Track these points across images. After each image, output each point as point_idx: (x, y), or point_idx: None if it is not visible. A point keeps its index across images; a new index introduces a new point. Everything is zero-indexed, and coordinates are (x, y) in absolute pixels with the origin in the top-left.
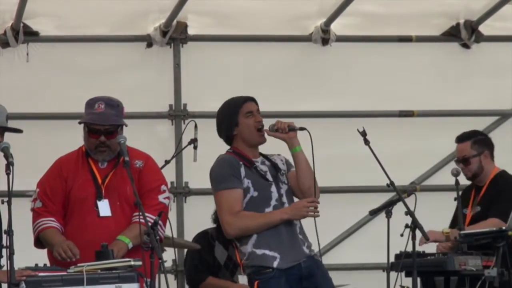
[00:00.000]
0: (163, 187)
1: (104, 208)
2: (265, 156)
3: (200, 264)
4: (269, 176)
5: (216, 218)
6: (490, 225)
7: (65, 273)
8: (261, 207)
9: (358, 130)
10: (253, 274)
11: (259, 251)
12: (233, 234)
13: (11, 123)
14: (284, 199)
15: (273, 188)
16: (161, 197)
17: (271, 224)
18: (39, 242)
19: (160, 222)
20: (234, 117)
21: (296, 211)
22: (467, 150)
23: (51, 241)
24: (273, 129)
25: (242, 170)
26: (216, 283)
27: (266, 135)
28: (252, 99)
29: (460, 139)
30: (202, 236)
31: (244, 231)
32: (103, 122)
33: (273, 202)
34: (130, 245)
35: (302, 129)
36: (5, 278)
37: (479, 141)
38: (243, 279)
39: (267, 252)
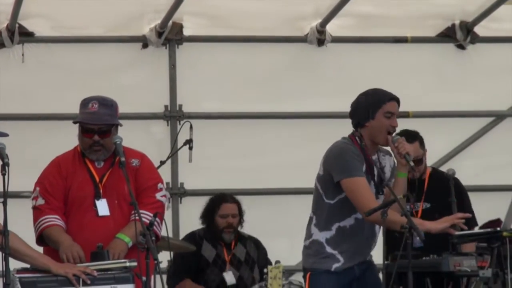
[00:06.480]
0: (160, 185)
1: (102, 207)
2: (379, 154)
3: (180, 267)
4: (372, 187)
5: (204, 219)
6: None
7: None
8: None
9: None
10: None
11: None
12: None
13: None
14: None
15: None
16: (158, 195)
17: None
18: (41, 239)
19: (157, 219)
20: (373, 109)
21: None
22: (418, 150)
23: (57, 239)
24: (395, 141)
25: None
26: (191, 286)
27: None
28: (397, 100)
29: (408, 140)
30: (190, 237)
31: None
32: (96, 122)
33: None
34: (130, 244)
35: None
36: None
37: (421, 140)
38: (228, 275)
39: None
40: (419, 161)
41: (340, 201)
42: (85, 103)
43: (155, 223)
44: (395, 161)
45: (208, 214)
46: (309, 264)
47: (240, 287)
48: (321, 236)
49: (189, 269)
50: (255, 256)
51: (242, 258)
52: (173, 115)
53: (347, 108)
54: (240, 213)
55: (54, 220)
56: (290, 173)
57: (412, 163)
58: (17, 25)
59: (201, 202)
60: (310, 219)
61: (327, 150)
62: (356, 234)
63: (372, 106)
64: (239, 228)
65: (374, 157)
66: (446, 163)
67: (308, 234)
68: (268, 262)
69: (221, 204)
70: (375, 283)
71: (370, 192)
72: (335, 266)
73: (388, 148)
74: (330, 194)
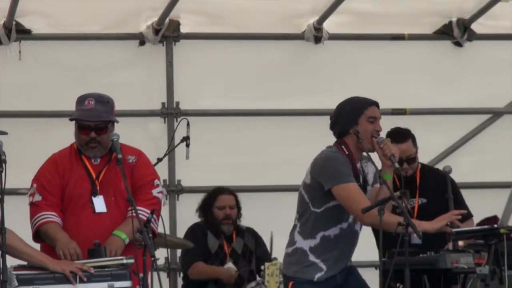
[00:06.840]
0: (156, 182)
1: (99, 204)
2: (361, 161)
3: (194, 250)
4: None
5: (202, 212)
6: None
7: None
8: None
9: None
10: None
11: None
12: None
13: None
14: None
15: None
16: (154, 192)
17: None
18: (38, 236)
19: (154, 216)
20: (356, 116)
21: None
22: (411, 149)
23: (53, 236)
24: (380, 142)
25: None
26: (204, 267)
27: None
28: (377, 105)
29: (402, 139)
30: (196, 227)
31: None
32: (92, 118)
33: None
34: (127, 241)
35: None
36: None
37: (413, 138)
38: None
39: None
40: (413, 159)
41: (327, 210)
42: (81, 100)
43: (152, 219)
44: (377, 167)
45: (205, 207)
46: (291, 273)
47: (237, 281)
48: (305, 244)
49: (201, 254)
50: (252, 247)
51: (239, 251)
52: (170, 112)
53: None
54: (238, 205)
55: (50, 216)
56: (287, 170)
57: (397, 165)
58: (14, 23)
59: (198, 199)
60: (294, 226)
61: (314, 159)
62: (339, 243)
63: (354, 113)
64: (238, 222)
65: (358, 164)
66: (443, 160)
67: (291, 242)
68: (266, 250)
69: (217, 196)
70: (360, 285)
71: (363, 196)
72: (317, 276)
73: (373, 155)
74: (317, 202)
